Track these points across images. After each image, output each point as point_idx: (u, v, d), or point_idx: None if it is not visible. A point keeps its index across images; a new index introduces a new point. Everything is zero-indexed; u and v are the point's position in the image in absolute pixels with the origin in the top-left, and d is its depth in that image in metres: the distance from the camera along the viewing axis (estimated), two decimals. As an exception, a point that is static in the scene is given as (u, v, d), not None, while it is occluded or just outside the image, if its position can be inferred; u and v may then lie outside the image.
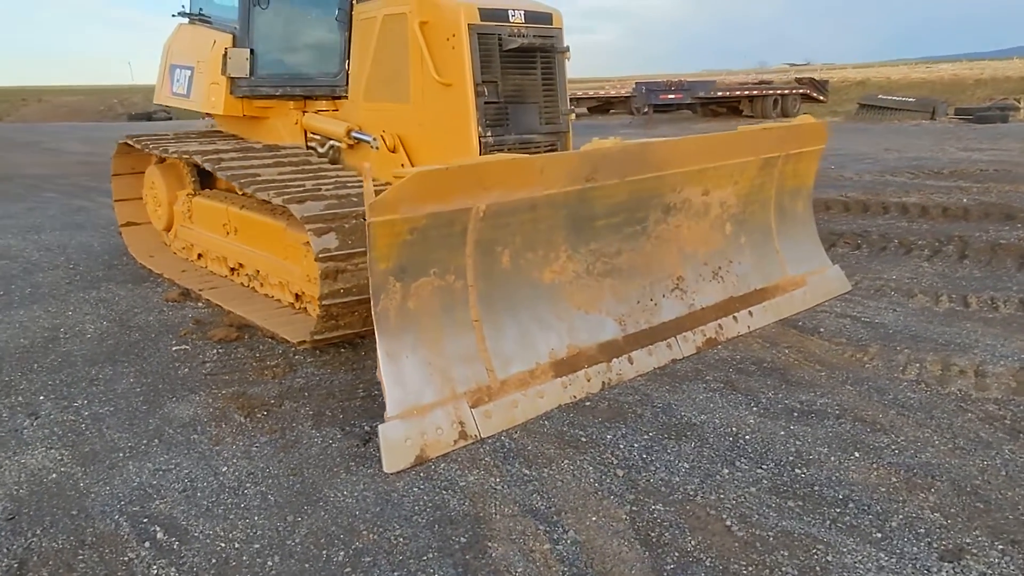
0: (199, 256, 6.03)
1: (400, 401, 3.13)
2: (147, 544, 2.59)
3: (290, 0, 5.77)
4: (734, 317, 4.48)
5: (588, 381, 3.71)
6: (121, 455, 3.19)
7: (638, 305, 4.11)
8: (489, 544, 2.56)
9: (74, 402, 3.70)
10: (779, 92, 25.11)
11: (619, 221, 4.02)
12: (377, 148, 5.00)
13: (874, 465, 3.01)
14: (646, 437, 3.26)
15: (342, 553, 2.53)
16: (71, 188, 11.23)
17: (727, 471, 2.97)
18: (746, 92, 25.23)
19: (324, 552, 2.54)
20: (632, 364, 3.90)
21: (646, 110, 25.39)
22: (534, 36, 4.75)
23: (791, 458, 3.07)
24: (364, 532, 2.64)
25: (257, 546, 2.58)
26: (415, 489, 2.90)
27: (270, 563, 2.49)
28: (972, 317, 4.70)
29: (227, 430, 3.40)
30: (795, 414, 3.45)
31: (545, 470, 3.01)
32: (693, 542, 2.54)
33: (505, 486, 2.90)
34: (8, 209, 9.32)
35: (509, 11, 4.66)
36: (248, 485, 2.95)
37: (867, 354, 4.13)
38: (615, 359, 3.85)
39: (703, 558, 2.46)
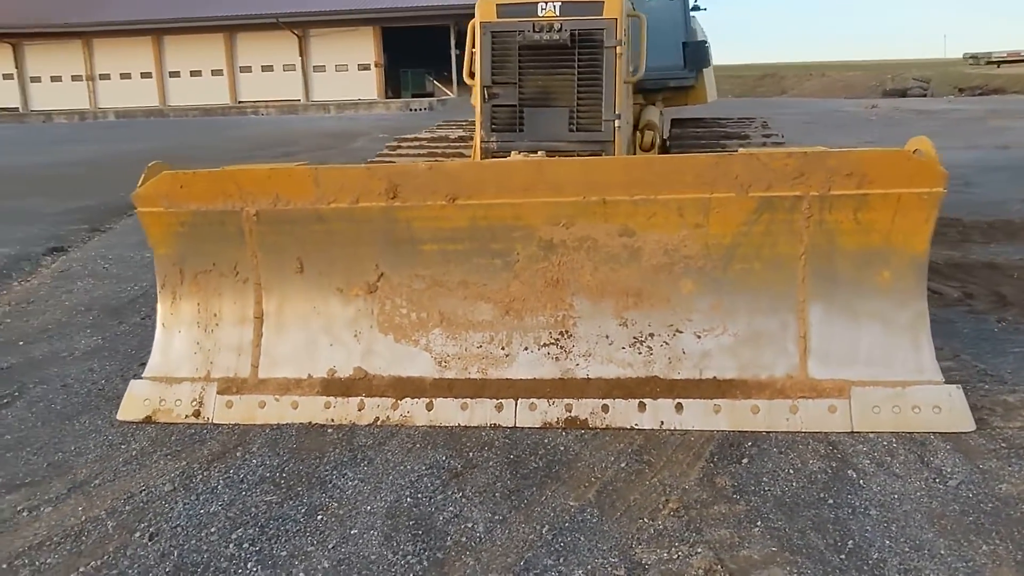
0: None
1: (157, 366, 3.68)
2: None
3: None
4: (641, 403, 3.32)
5: (359, 411, 3.48)
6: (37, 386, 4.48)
7: (479, 350, 3.50)
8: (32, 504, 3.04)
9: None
10: None
11: (464, 249, 3.47)
12: None
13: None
14: (255, 476, 3.06)
15: (-8, 455, 3.37)
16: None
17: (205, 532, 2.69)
18: None
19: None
20: (430, 411, 3.43)
21: None
22: (570, 29, 4.11)
23: (273, 555, 2.56)
24: (39, 439, 3.43)
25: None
26: (93, 434, 3.48)
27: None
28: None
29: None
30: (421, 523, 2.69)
31: (175, 463, 3.19)
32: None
33: (125, 464, 3.21)
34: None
35: (539, 4, 4.16)
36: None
37: (704, 510, 2.69)
38: (408, 399, 3.47)
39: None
